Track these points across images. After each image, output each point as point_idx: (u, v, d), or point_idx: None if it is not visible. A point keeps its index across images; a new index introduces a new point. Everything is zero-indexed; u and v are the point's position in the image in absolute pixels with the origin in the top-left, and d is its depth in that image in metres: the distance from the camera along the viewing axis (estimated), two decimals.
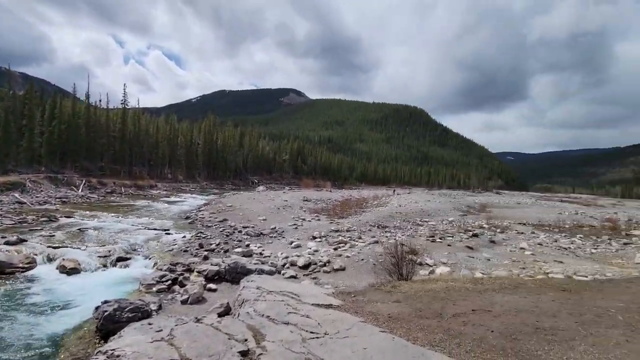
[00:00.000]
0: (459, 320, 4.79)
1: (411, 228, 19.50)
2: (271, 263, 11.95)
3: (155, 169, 58.39)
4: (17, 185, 27.39)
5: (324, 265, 11.70)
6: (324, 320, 4.51)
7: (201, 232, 16.94)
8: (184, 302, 8.80)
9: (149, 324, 5.70)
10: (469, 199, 46.45)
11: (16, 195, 24.98)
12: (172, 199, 35.93)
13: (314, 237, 16.08)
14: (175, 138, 63.95)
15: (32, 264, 10.59)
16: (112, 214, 21.18)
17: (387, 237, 16.35)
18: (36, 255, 11.18)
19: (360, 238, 16.08)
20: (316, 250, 13.56)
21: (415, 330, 4.53)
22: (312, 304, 5.53)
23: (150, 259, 12.21)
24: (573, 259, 13.66)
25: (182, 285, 9.83)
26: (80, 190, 32.43)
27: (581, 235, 18.99)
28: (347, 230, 17.92)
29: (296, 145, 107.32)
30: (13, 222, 16.45)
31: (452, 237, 16.79)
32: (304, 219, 21.43)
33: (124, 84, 53.80)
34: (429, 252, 13.48)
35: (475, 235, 17.31)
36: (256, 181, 77.12)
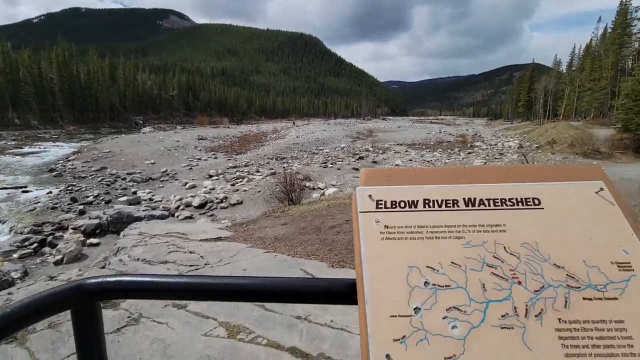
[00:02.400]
0: (334, 230, 5.52)
1: (307, 157, 20.49)
2: (163, 207, 11.30)
3: None
4: None
5: (221, 201, 11.64)
6: (209, 253, 4.64)
7: (73, 185, 14.59)
8: (58, 262, 7.86)
9: (9, 294, 5.00)
10: (360, 126, 50.37)
11: None
12: (26, 149, 29.14)
13: (211, 176, 15.57)
14: (14, 72, 49.35)
15: None
16: None
17: (284, 167, 16.90)
18: None
19: (258, 171, 16.24)
20: (212, 189, 13.28)
21: (297, 245, 5.07)
22: (200, 240, 5.56)
23: (3, 223, 10.17)
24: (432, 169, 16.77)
25: (54, 246, 8.66)
26: None
27: (440, 150, 23.04)
28: (245, 165, 17.82)
29: (185, 79, 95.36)
30: None
31: (342, 161, 18.38)
32: (199, 159, 20.30)
33: None
34: (322, 177, 14.60)
35: (361, 157, 19.29)
36: (141, 122, 67.52)
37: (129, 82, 72.90)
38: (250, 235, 5.98)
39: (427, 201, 0.50)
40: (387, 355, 0.38)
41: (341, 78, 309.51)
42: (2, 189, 14.00)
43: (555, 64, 68.98)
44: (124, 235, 6.24)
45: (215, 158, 20.76)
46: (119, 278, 0.55)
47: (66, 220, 10.38)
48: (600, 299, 0.41)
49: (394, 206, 0.50)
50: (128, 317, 2.47)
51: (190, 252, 4.77)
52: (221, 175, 15.54)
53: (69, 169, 18.42)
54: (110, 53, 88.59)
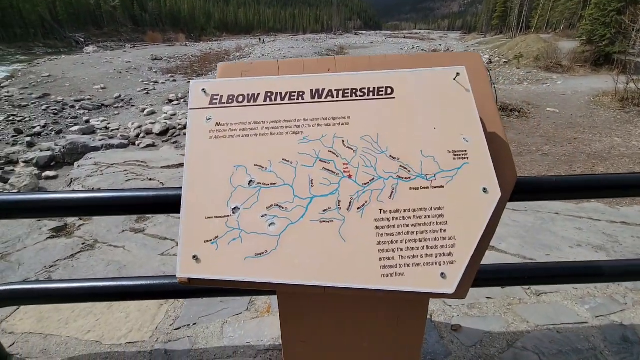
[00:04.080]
0: None
1: None
2: (121, 136, 10.69)
3: None
4: None
5: (184, 127, 11.10)
6: (170, 179, 4.56)
7: (14, 115, 13.23)
8: None
9: None
10: (330, 42, 47.09)
11: None
12: None
13: (171, 101, 14.57)
14: None
15: None
16: None
17: None
18: None
19: None
20: (174, 114, 12.54)
21: None
22: (162, 167, 5.41)
23: None
24: None
25: (5, 181, 8.18)
26: None
27: None
28: None
29: None
30: None
31: None
32: (156, 82, 18.67)
33: None
34: None
35: None
36: (82, 40, 59.07)
37: None
38: None
39: (269, 94, 0.45)
40: (195, 256, 0.38)
41: None
42: None
43: None
44: (78, 166, 5.94)
45: (174, 81, 19.15)
46: None
47: (14, 153, 9.66)
48: (427, 187, 0.41)
49: (230, 101, 0.45)
50: (82, 244, 2.48)
51: (150, 179, 4.67)
52: (182, 100, 14.54)
53: (5, 96, 16.47)
54: None
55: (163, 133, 10.80)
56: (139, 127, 11.30)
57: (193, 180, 0.42)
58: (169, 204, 0.46)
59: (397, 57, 0.50)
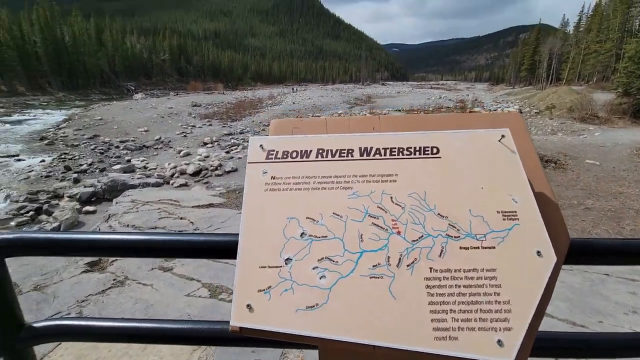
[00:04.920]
0: None
1: None
2: (158, 175, 11.30)
3: None
4: None
5: (216, 169, 11.63)
6: (200, 219, 4.70)
7: (66, 153, 14.47)
8: (55, 230, 7.98)
9: None
10: (358, 92, 49.25)
11: None
12: (16, 117, 28.54)
13: (205, 143, 15.43)
14: None
15: None
16: None
17: None
18: None
19: None
20: (207, 156, 13.21)
21: None
22: (192, 207, 5.60)
23: None
24: None
25: (50, 214, 8.75)
26: None
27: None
28: (240, 132, 17.61)
29: (176, 42, 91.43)
30: None
31: None
32: (193, 126, 20.00)
33: None
34: None
35: None
36: (132, 88, 65.64)
37: (117, 46, 69.92)
38: (242, 202, 6.03)
39: (320, 151, 0.48)
40: (248, 305, 0.38)
41: (340, 41, 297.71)
42: None
43: (562, 25, 66.18)
44: (116, 203, 6.28)
45: (210, 125, 20.45)
46: (21, 235, 0.54)
47: (61, 188, 10.41)
48: (477, 248, 0.40)
49: (285, 156, 0.48)
50: (113, 280, 2.54)
51: (181, 218, 4.83)
52: (216, 143, 15.40)
53: (61, 137, 18.18)
54: (96, 14, 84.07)
55: (196, 173, 11.33)
56: (175, 167, 11.95)
57: (249, 229, 0.44)
58: (223, 250, 0.48)
59: (438, 116, 0.52)
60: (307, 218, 0.43)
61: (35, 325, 0.58)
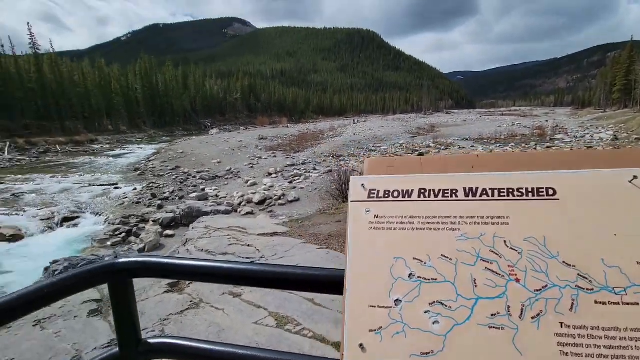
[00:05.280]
0: None
1: (364, 154, 20.30)
2: (227, 203, 12.15)
3: (92, 121, 52.99)
4: None
5: (279, 198, 12.13)
6: (265, 247, 4.88)
7: (153, 182, 16.44)
8: (141, 250, 8.94)
9: None
10: (420, 121, 48.32)
11: None
12: (117, 151, 33.62)
13: (270, 174, 16.29)
14: (107, 85, 57.23)
15: None
16: (50, 175, 19.62)
17: (340, 165, 16.97)
18: None
19: (314, 169, 16.56)
20: (272, 186, 13.88)
21: None
22: (258, 234, 5.86)
23: (100, 215, 11.87)
24: None
25: (138, 236, 9.87)
26: (5, 154, 29.12)
27: (513, 144, 20.98)
28: (303, 163, 18.28)
29: (247, 82, 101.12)
30: None
31: None
32: (260, 157, 21.37)
33: (28, 23, 45.26)
34: None
35: (421, 154, 18.51)
36: (209, 124, 73.34)
37: (198, 89, 79.60)
38: (305, 232, 6.14)
39: (422, 191, 0.48)
40: (361, 345, 0.37)
41: (400, 72, 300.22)
42: (99, 185, 16.35)
43: None
44: (192, 228, 6.88)
45: (275, 157, 21.66)
46: (149, 259, 0.63)
47: (147, 213, 11.73)
48: (617, 303, 0.35)
49: (387, 196, 0.49)
50: (190, 302, 2.72)
51: (248, 246, 5.07)
52: (280, 174, 16.19)
53: (150, 168, 20.77)
54: (183, 63, 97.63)
55: (261, 202, 11.94)
56: (242, 196, 12.76)
57: (356, 267, 0.45)
58: (334, 284, 0.50)
59: (545, 154, 0.48)
60: (414, 259, 0.42)
61: (150, 341, 0.64)
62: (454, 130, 33.64)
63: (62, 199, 13.73)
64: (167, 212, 11.24)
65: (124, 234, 10.02)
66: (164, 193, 14.21)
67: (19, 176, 19.56)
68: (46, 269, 7.53)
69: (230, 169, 18.30)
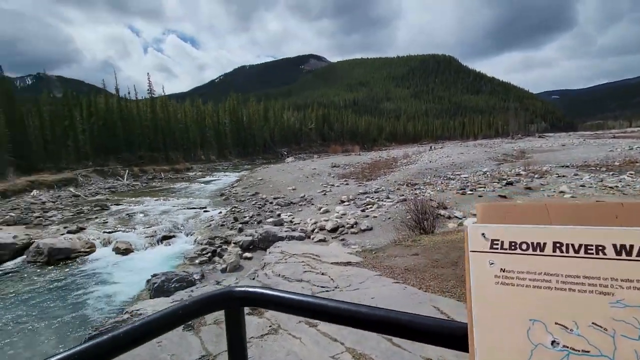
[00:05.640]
0: None
1: (442, 183, 19.19)
2: (301, 229, 12.51)
3: (189, 152, 60.99)
4: (70, 181, 30.15)
5: (352, 227, 12.06)
6: (339, 276, 4.84)
7: (235, 207, 17.89)
8: (223, 270, 9.66)
9: (192, 291, 6.43)
10: (507, 147, 44.10)
11: (71, 189, 27.59)
12: (207, 178, 37.75)
13: (342, 201, 16.40)
14: (202, 120, 65.79)
15: (92, 248, 11.98)
16: (155, 198, 22.86)
17: (415, 194, 16.28)
18: (94, 240, 12.58)
19: (388, 198, 16.18)
20: (344, 214, 13.92)
21: (429, 279, 4.73)
22: (332, 263, 5.86)
23: (191, 235, 13.26)
24: (619, 197, 12.91)
25: (221, 256, 10.71)
26: (125, 180, 35.01)
27: (632, 172, 17.63)
28: (375, 192, 18.04)
29: (321, 113, 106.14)
30: (72, 214, 18.39)
31: (485, 187, 16.36)
32: (332, 185, 21.77)
33: (148, 74, 55.48)
34: (459, 205, 13.37)
35: (509, 183, 16.73)
36: (285, 153, 78.17)
37: (277, 120, 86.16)
38: (379, 263, 5.95)
39: (558, 244, 0.41)
40: None
41: (481, 95, 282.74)
42: (191, 208, 18.39)
43: None
44: (269, 253, 7.21)
45: (347, 184, 21.84)
46: (260, 290, 0.70)
47: (230, 235, 12.71)
48: None
49: (513, 247, 0.43)
50: (269, 327, 2.81)
51: (322, 274, 5.09)
52: (352, 201, 16.19)
53: (233, 193, 22.72)
54: (265, 98, 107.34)
55: (333, 230, 12.02)
56: (315, 222, 13.02)
57: (483, 324, 0.41)
58: (455, 339, 0.46)
59: None
60: (556, 324, 0.36)
61: None
62: (549, 155, 29.83)
63: (163, 220, 15.76)
64: (246, 235, 12.04)
65: (209, 254, 10.98)
66: (245, 217, 15.31)
67: (133, 198, 23.22)
68: (148, 281, 8.61)
69: (304, 195, 18.97)
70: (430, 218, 8.17)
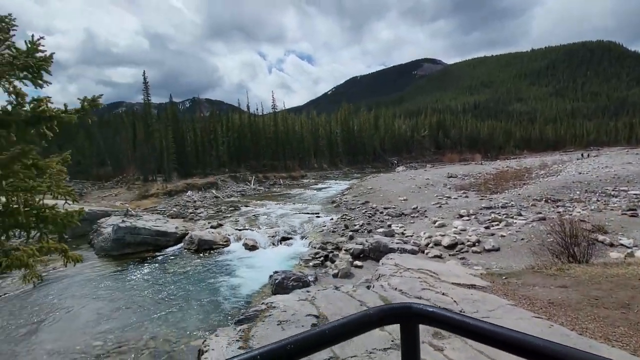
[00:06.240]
0: None
1: (598, 200, 15.40)
2: (413, 242, 11.85)
3: (304, 160, 65.97)
4: (213, 184, 36.34)
5: (473, 245, 10.76)
6: (462, 299, 4.28)
7: (346, 215, 18.27)
8: (334, 275, 9.89)
9: (307, 291, 6.75)
10: None
11: (213, 191, 33.19)
12: (319, 186, 39.94)
13: (461, 216, 14.89)
14: (316, 131, 70.34)
15: (227, 242, 14.01)
16: (275, 202, 25.40)
17: (559, 212, 13.51)
18: (229, 236, 14.68)
19: (520, 215, 13.90)
20: (463, 230, 12.58)
21: (586, 320, 3.74)
22: (452, 283, 5.29)
23: (306, 238, 14.13)
24: None
25: (333, 262, 11.02)
26: (252, 185, 40.16)
27: None
28: (502, 207, 15.76)
29: (435, 119, 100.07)
30: (214, 212, 22.02)
31: None
32: (448, 197, 20.07)
33: (272, 92, 62.79)
34: (626, 230, 10.46)
35: None
36: (395, 162, 76.45)
37: (388, 128, 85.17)
38: (512, 291, 5.07)
39: None
40: None
41: None
42: (305, 213, 19.63)
43: None
44: (382, 264, 6.99)
45: (466, 197, 19.77)
46: (439, 311, 0.72)
47: (341, 242, 12.99)
48: None
49: None
50: (391, 342, 2.62)
51: (443, 294, 4.61)
52: (473, 216, 14.53)
53: (344, 201, 23.30)
54: (376, 107, 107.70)
55: (451, 247, 10.95)
56: (429, 237, 12.13)
57: None
58: None
59: None
60: None
61: None
62: None
63: (282, 222, 17.28)
64: (357, 244, 12.09)
65: (322, 258, 11.43)
66: (355, 225, 15.45)
67: (257, 201, 26.35)
68: (270, 276, 9.49)
69: (417, 207, 18.00)
70: (582, 244, 6.56)
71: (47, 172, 3.24)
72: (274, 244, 13.69)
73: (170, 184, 34.99)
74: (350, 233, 14.08)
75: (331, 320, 3.13)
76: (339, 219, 17.35)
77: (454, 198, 19.57)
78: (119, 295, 9.47)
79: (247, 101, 64.38)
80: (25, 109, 3.14)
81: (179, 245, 14.11)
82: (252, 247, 13.26)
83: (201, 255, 12.89)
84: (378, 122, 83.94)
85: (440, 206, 17.60)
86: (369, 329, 0.76)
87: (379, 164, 73.91)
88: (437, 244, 11.37)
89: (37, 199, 3.37)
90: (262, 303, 4.58)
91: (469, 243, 10.82)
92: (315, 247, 12.53)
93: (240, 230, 15.68)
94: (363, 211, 18.88)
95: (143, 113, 42.95)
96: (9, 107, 3.10)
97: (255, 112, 64.53)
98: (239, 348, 2.90)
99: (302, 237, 14.38)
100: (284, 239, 14.08)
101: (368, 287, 5.16)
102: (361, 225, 15.35)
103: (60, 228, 3.38)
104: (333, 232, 14.76)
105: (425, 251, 10.87)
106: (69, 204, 3.75)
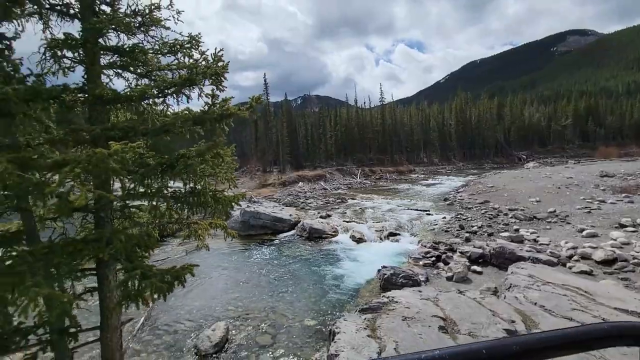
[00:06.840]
0: None
1: None
2: (550, 252, 9.92)
3: (412, 154, 62.95)
4: (321, 176, 38.20)
5: None
6: None
7: (461, 214, 16.63)
8: (448, 278, 9.09)
9: (419, 291, 6.33)
10: None
11: (321, 183, 34.88)
12: (429, 181, 37.50)
13: (622, 225, 11.77)
14: (427, 123, 66.11)
15: (335, 232, 14.47)
16: (382, 197, 25.01)
17: None
18: (337, 227, 15.14)
19: None
20: (626, 243, 9.90)
21: None
22: (615, 308, 4.16)
23: (415, 236, 13.44)
24: None
25: (446, 263, 10.15)
26: (358, 178, 40.58)
27: None
28: None
29: (583, 104, 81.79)
30: (322, 203, 23.11)
31: None
32: (602, 201, 16.15)
33: (380, 84, 61.59)
34: None
35: None
36: (524, 157, 65.82)
37: (515, 118, 73.83)
38: None
39: None
40: None
41: None
42: (414, 210, 18.70)
43: None
44: (512, 273, 6.03)
45: (630, 202, 15.50)
46: None
47: (455, 243, 11.87)
48: None
49: None
50: None
51: (602, 319, 3.64)
52: (639, 227, 11.29)
53: (458, 199, 21.27)
54: (499, 93, 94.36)
55: (606, 262, 8.72)
56: (573, 248, 9.95)
57: None
58: None
59: None
60: None
61: None
62: None
63: (388, 217, 16.88)
64: (475, 247, 10.84)
65: (434, 258, 10.66)
66: (472, 227, 13.90)
67: (363, 195, 26.44)
68: (378, 271, 9.35)
69: (555, 210, 15.04)
70: None
71: (225, 160, 3.87)
72: (380, 239, 13.47)
73: (285, 175, 38.32)
74: (467, 235, 12.73)
75: (460, 325, 2.76)
76: (452, 218, 15.93)
77: (611, 202, 15.60)
78: (244, 269, 10.89)
79: (355, 95, 64.87)
80: (215, 108, 3.78)
81: (292, 232, 15.27)
82: (359, 240, 13.34)
83: (311, 242, 13.64)
84: (502, 111, 73.65)
85: (589, 211, 14.29)
86: (601, 346, 0.60)
87: (501, 159, 65.02)
88: (586, 257, 9.23)
89: (212, 183, 4.09)
90: (384, 296, 4.50)
91: (635, 261, 8.41)
92: (425, 246, 11.79)
93: (347, 222, 15.99)
94: (482, 211, 16.85)
95: (263, 111, 48.09)
96: (205, 108, 3.79)
97: (362, 106, 64.71)
98: (368, 336, 2.87)
99: (411, 235, 13.73)
100: (391, 234, 13.71)
101: (497, 296, 4.48)
102: (479, 227, 13.73)
103: (226, 208, 4.03)
104: (445, 231, 13.62)
105: (568, 264, 8.96)
106: (231, 189, 4.46)
